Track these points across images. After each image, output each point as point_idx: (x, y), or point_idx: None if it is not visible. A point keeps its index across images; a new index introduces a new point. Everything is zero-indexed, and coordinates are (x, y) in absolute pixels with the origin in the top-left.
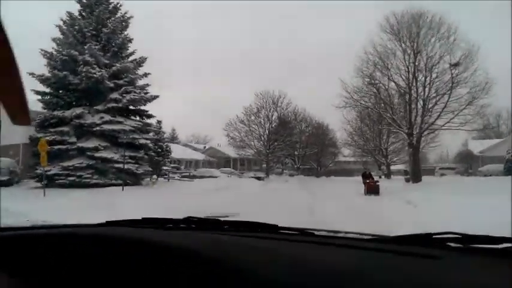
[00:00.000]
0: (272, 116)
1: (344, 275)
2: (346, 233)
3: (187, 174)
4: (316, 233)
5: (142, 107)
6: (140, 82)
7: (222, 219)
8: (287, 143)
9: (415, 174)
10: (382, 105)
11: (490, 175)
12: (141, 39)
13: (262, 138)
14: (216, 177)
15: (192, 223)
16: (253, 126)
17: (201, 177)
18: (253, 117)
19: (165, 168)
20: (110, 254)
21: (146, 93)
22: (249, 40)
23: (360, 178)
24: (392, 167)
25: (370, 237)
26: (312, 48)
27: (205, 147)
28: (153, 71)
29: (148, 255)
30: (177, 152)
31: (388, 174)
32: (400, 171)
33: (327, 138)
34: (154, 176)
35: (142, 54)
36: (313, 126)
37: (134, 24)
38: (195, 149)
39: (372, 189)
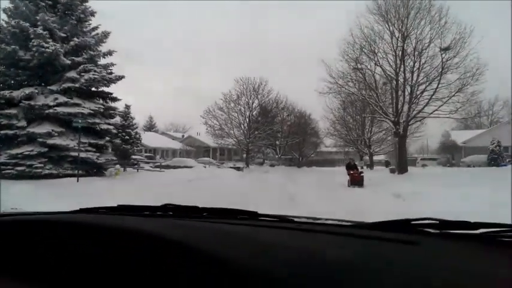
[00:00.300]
0: (253, 104)
1: (323, 260)
2: (326, 219)
3: (159, 164)
4: (295, 219)
5: (106, 89)
6: (105, 61)
7: (200, 206)
8: (268, 132)
9: (401, 165)
10: (368, 91)
11: (473, 166)
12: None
13: (242, 127)
14: (191, 167)
15: (169, 210)
16: (233, 114)
17: (176, 167)
18: (232, 105)
19: (134, 157)
20: (84, 241)
21: (110, 73)
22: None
23: (342, 169)
24: (374, 158)
25: (349, 223)
26: (295, 32)
27: (183, 136)
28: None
29: (124, 242)
30: (153, 140)
31: (371, 165)
32: (381, 161)
33: (309, 128)
34: (117, 166)
35: (126, 45)
36: (295, 115)
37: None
38: (173, 138)
39: (356, 180)
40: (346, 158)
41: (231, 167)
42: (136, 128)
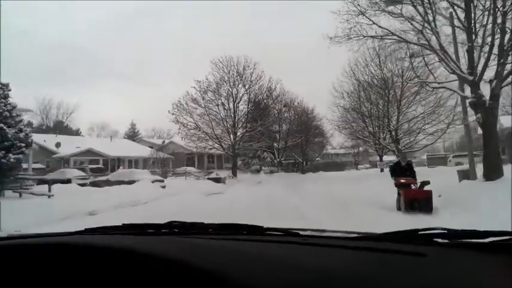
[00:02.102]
0: (237, 93)
1: (330, 274)
2: (332, 232)
3: (85, 178)
4: (301, 233)
5: None
6: None
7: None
8: (260, 130)
9: (491, 163)
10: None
11: None
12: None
13: (225, 124)
14: (134, 181)
15: (174, 227)
16: (212, 107)
17: (119, 182)
18: (210, 95)
19: (21, 174)
20: (87, 263)
21: None
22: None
23: (356, 174)
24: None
25: (356, 235)
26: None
27: (164, 142)
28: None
29: (127, 263)
30: (119, 148)
31: None
32: (420, 160)
33: (312, 125)
34: None
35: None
36: (294, 109)
37: None
38: (151, 145)
39: (418, 199)
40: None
41: (210, 178)
42: (23, 125)
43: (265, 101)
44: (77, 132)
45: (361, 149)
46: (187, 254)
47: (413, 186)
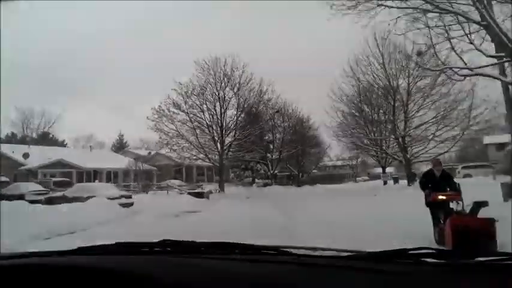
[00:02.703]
0: (224, 96)
1: None
2: (323, 250)
3: (42, 193)
4: (294, 251)
5: None
6: None
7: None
8: (251, 140)
9: None
10: None
11: None
12: None
13: (211, 131)
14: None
15: (167, 246)
16: (197, 114)
17: (76, 199)
18: (194, 99)
19: None
20: (80, 286)
21: None
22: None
23: (354, 186)
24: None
25: (347, 253)
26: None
27: (150, 153)
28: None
29: (122, 285)
30: (97, 161)
31: (410, 178)
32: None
33: (308, 135)
34: None
35: None
36: (288, 117)
37: None
38: (136, 156)
39: (474, 232)
40: (355, 171)
41: (191, 193)
42: None
43: (255, 106)
44: (62, 144)
45: (359, 160)
46: (182, 275)
47: (455, 205)
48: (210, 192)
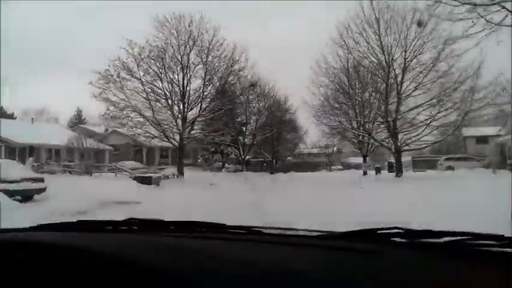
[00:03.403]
0: (189, 63)
1: (289, 273)
2: (295, 230)
3: None
4: (264, 231)
5: None
6: None
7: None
8: (219, 117)
9: None
10: None
11: None
12: None
13: (170, 104)
14: None
15: (134, 225)
16: (154, 82)
17: None
18: (151, 63)
19: None
20: (41, 263)
21: None
22: None
23: (334, 176)
24: (355, 159)
25: (318, 233)
26: None
27: (107, 130)
28: None
29: (77, 261)
30: (39, 135)
31: (397, 169)
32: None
33: (285, 119)
34: None
35: None
36: (264, 96)
37: None
38: (92, 133)
39: None
40: (330, 160)
41: (137, 178)
42: None
43: (225, 76)
44: (11, 116)
45: (335, 148)
46: (143, 251)
47: None
48: (167, 177)
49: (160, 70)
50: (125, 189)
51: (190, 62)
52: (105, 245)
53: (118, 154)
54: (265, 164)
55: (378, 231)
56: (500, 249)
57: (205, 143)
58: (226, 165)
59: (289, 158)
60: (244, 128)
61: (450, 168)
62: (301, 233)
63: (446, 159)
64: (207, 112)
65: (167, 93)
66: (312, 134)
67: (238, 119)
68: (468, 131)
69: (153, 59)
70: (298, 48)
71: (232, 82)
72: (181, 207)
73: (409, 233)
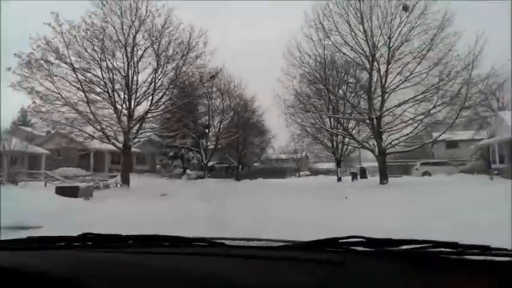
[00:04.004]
0: (135, 46)
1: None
2: (258, 240)
3: None
4: (228, 243)
5: None
6: None
7: (125, 234)
8: (177, 116)
9: None
10: None
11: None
12: None
13: (112, 96)
14: None
15: (89, 240)
16: (91, 69)
17: None
18: (86, 45)
19: None
20: None
21: None
22: None
23: (307, 183)
24: (323, 165)
25: (280, 243)
26: None
27: (49, 132)
28: None
29: (24, 285)
30: None
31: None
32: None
33: (252, 122)
34: None
35: None
36: (229, 96)
37: None
38: (31, 137)
39: None
40: (299, 165)
41: (61, 188)
42: None
43: (181, 65)
44: None
45: (304, 153)
46: (98, 270)
47: None
48: (107, 186)
49: (99, 55)
50: (32, 205)
51: (137, 46)
52: (57, 264)
53: (60, 160)
54: (230, 170)
55: (340, 240)
56: (457, 256)
57: (163, 146)
58: (188, 171)
59: (256, 163)
60: (207, 130)
61: (427, 173)
62: (265, 243)
63: (422, 164)
64: (159, 108)
65: (108, 83)
66: (281, 138)
67: (201, 121)
68: (436, 135)
69: (89, 41)
70: (269, 39)
71: (189, 73)
72: (106, 230)
73: (370, 242)
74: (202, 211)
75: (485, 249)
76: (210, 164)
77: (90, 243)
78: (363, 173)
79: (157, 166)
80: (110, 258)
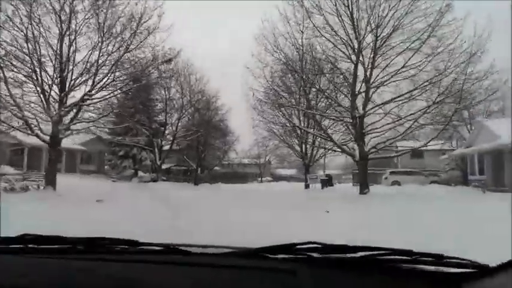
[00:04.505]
0: (71, 14)
1: None
2: (214, 247)
3: None
4: (181, 248)
5: None
6: None
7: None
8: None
9: None
10: None
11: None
12: None
13: (38, 78)
14: None
15: (28, 242)
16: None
17: None
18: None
19: None
20: None
21: None
22: None
23: (271, 189)
24: (285, 171)
25: (236, 250)
26: None
27: None
28: None
29: None
30: None
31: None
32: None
33: (215, 122)
34: None
35: None
36: (190, 90)
37: None
38: None
39: None
40: (262, 170)
41: None
42: None
43: (129, 42)
44: None
45: (267, 158)
46: (37, 278)
47: None
48: (25, 189)
49: (21, 20)
50: None
51: (75, 14)
52: None
53: None
54: (189, 173)
55: (297, 246)
56: (411, 265)
57: (112, 144)
58: (141, 173)
59: (217, 167)
60: (163, 128)
61: (397, 183)
62: (219, 250)
63: (392, 173)
64: (102, 94)
65: (33, 59)
66: (244, 141)
67: (159, 118)
68: (401, 144)
69: (12, 4)
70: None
71: (140, 53)
72: None
73: (325, 248)
74: (138, 225)
75: (438, 258)
76: (166, 166)
77: (29, 245)
78: (329, 181)
79: (106, 167)
80: (46, 265)
